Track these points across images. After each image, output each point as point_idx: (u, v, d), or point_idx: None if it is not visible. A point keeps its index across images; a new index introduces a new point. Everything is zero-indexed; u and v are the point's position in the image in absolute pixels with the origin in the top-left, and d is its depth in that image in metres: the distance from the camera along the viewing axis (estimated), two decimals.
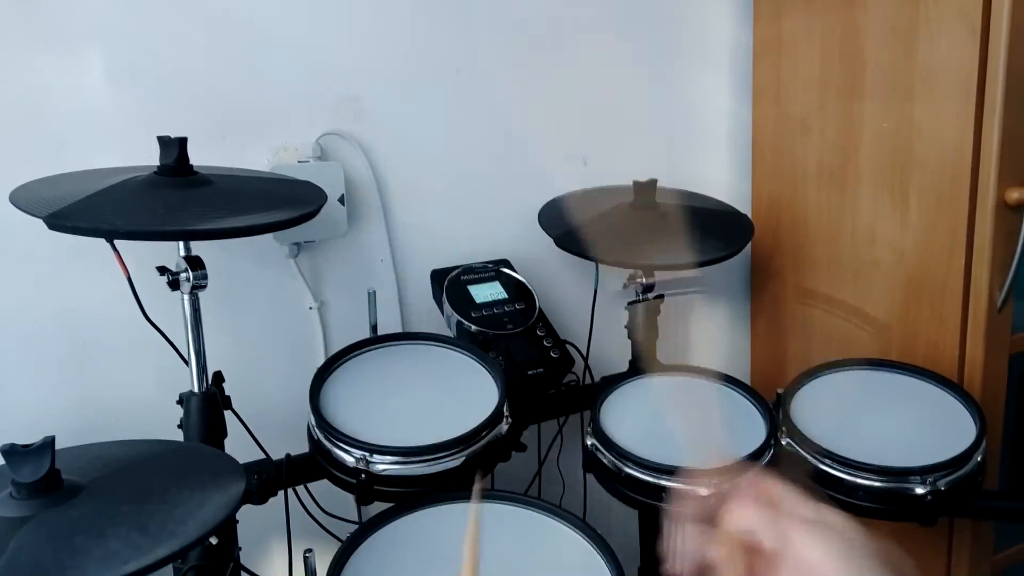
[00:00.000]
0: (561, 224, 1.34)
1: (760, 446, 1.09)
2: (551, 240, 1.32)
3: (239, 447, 1.08)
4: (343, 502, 1.19)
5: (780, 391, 1.22)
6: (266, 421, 1.17)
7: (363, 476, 0.97)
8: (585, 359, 1.44)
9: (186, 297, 1.04)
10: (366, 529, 0.94)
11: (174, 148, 1.02)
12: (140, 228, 0.93)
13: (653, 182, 1.35)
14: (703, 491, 1.02)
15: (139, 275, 1.04)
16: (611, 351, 1.48)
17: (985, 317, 1.29)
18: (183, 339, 1.06)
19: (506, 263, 1.41)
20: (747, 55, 1.63)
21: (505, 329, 1.28)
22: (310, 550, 0.93)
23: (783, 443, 1.15)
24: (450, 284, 1.33)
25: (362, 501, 1.00)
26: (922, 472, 1.05)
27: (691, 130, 1.66)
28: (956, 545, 1.37)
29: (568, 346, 1.33)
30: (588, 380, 1.44)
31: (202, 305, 1.05)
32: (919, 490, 1.05)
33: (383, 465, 0.98)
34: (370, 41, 1.33)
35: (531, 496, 1.00)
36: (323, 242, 1.34)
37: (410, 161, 1.39)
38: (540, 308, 1.34)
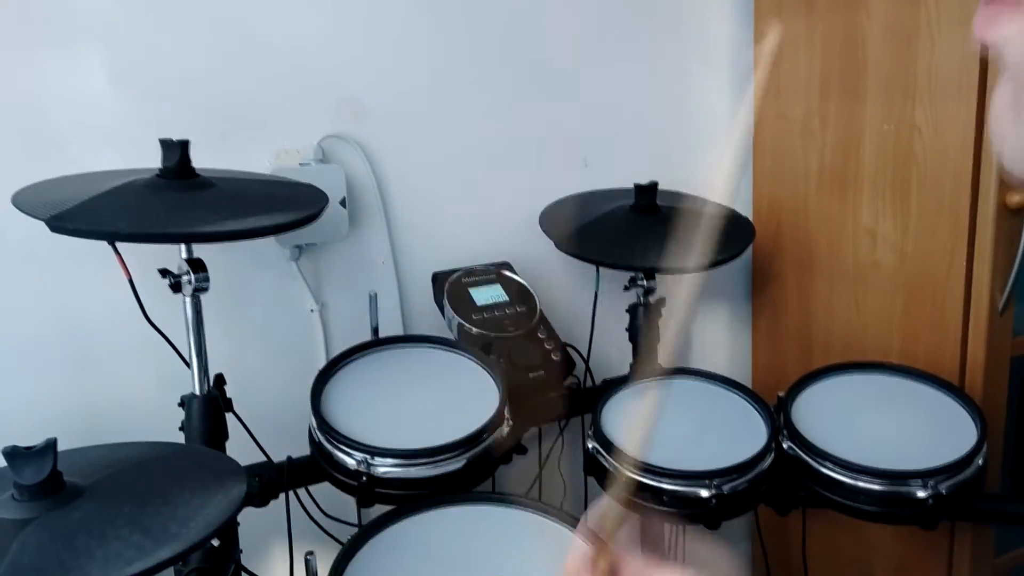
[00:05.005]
0: (562, 227, 1.34)
1: (761, 449, 1.09)
2: (552, 243, 1.32)
3: (240, 449, 1.08)
4: (344, 505, 1.19)
5: (781, 394, 1.22)
6: (267, 423, 1.17)
7: (364, 478, 0.97)
8: (586, 362, 1.44)
9: (188, 299, 1.04)
10: (367, 532, 0.94)
11: (176, 150, 1.02)
12: (142, 230, 0.93)
13: (654, 184, 1.35)
14: (704, 493, 1.03)
15: (141, 277, 1.04)
16: (612, 354, 1.48)
17: (986, 320, 1.28)
18: (185, 341, 1.06)
19: (507, 266, 1.41)
20: (747, 55, 1.63)
21: (506, 331, 1.28)
22: (311, 553, 0.93)
23: (784, 446, 1.15)
24: (451, 286, 1.33)
25: (363, 503, 1.00)
26: (923, 475, 1.05)
27: (692, 132, 1.66)
28: (957, 549, 1.37)
29: (569, 349, 1.33)
30: (589, 383, 1.44)
31: (204, 307, 1.05)
32: (920, 493, 1.05)
33: (384, 467, 0.98)
34: (371, 43, 1.34)
35: (532, 499, 1.00)
36: (324, 244, 1.34)
37: (411, 163, 1.39)
38: (541, 311, 1.34)
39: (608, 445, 1.10)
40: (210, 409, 1.06)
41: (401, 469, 0.98)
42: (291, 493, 1.13)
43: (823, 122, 1.49)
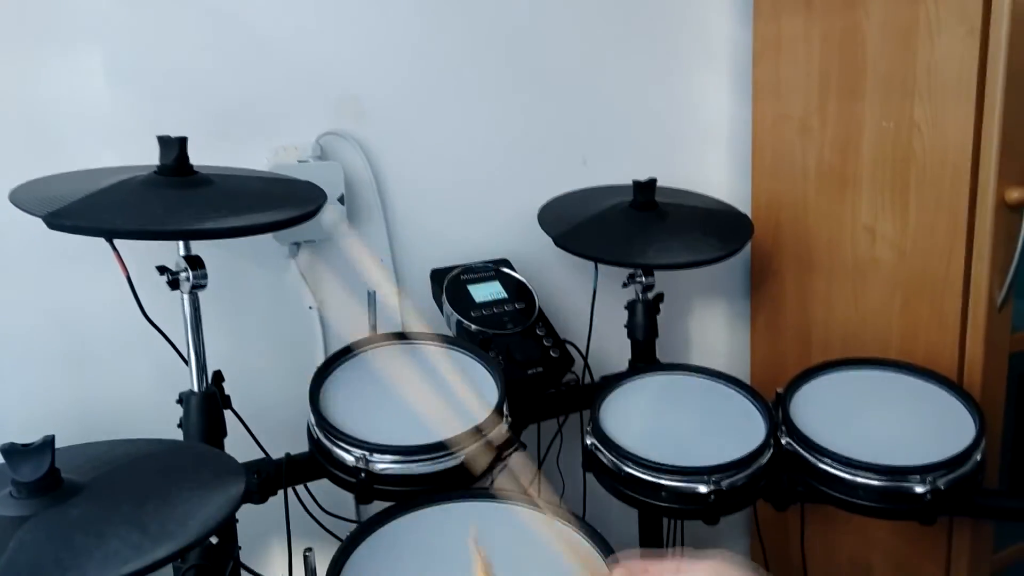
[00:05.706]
0: (561, 223, 1.34)
1: (760, 445, 1.09)
2: (551, 239, 1.32)
3: (239, 446, 1.08)
4: (343, 501, 1.19)
5: (780, 390, 1.22)
6: (266, 420, 1.17)
7: (363, 475, 0.97)
8: (585, 358, 1.44)
9: (186, 296, 1.04)
10: (366, 528, 0.94)
11: (174, 148, 1.02)
12: (140, 227, 0.93)
13: (653, 181, 1.35)
14: (702, 488, 1.03)
15: (139, 274, 1.04)
16: (611, 350, 1.48)
17: (985, 316, 1.29)
18: (183, 338, 1.06)
19: (506, 263, 1.41)
20: (747, 54, 1.63)
21: (505, 328, 1.28)
22: (310, 549, 0.93)
23: (783, 442, 1.15)
24: (450, 284, 1.33)
25: (362, 500, 1.00)
26: (922, 471, 1.05)
27: (691, 129, 1.66)
28: (956, 544, 1.37)
29: (568, 345, 1.33)
30: (588, 379, 1.44)
31: (202, 304, 1.05)
32: (919, 489, 1.05)
33: (383, 464, 0.98)
34: (370, 41, 1.33)
35: (531, 495, 1.00)
36: (323, 242, 1.34)
37: (410, 161, 1.39)
38: (540, 307, 1.34)
39: (607, 442, 1.10)
40: (208, 406, 1.06)
41: (400, 465, 0.98)
42: (290, 490, 1.13)
43: (822, 120, 1.49)
